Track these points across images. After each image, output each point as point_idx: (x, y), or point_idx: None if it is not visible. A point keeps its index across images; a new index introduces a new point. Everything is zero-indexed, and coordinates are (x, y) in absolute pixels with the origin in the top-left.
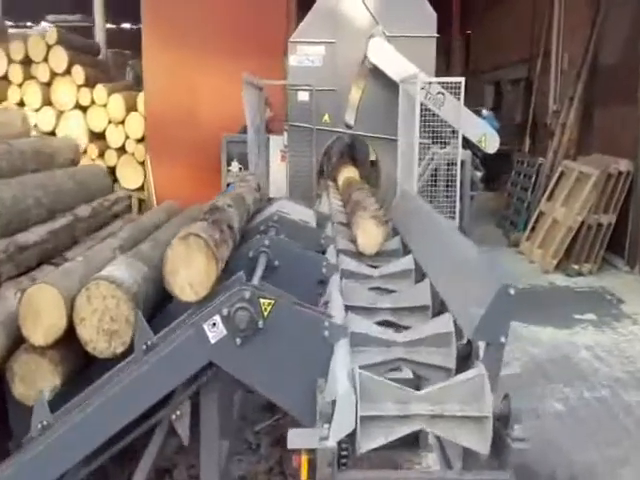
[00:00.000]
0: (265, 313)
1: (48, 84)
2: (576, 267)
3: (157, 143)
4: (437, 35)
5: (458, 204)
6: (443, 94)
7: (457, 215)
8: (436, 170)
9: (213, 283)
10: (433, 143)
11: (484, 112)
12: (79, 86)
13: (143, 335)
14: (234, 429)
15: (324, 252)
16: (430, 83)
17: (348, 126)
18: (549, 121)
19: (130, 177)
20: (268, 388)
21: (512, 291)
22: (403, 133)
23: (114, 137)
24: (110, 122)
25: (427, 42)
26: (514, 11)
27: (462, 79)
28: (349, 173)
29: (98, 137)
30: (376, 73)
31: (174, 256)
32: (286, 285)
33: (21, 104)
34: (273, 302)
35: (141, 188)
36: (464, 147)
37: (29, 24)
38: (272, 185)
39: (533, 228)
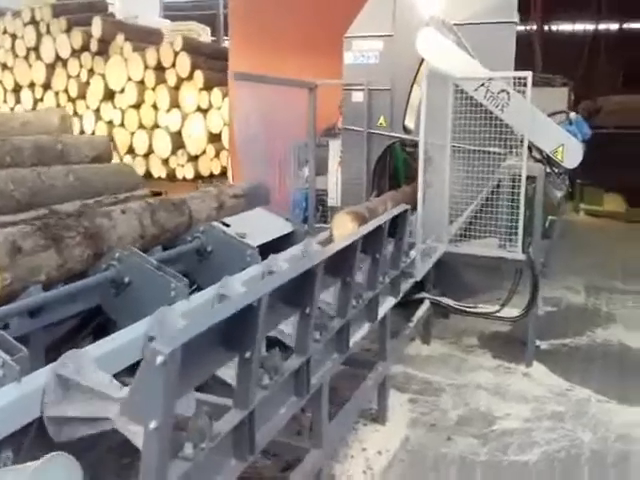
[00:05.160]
0: None
1: (176, 88)
2: None
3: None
4: (517, 21)
5: (521, 230)
6: (507, 92)
7: (519, 244)
8: (498, 187)
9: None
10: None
11: (572, 115)
12: (200, 89)
13: None
14: None
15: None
16: (490, 79)
17: (407, 131)
18: None
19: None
20: None
21: (160, 359)
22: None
23: (227, 139)
24: (225, 124)
25: (505, 29)
26: None
27: (529, 73)
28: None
29: (217, 138)
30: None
31: None
32: (135, 304)
33: (155, 107)
34: None
35: None
36: (539, 160)
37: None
38: (330, 192)
39: None
